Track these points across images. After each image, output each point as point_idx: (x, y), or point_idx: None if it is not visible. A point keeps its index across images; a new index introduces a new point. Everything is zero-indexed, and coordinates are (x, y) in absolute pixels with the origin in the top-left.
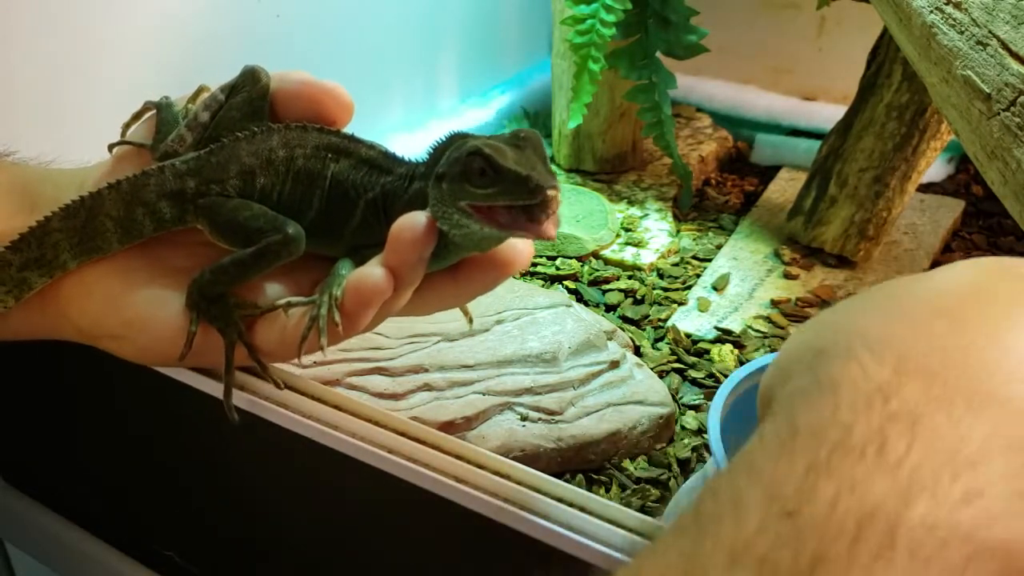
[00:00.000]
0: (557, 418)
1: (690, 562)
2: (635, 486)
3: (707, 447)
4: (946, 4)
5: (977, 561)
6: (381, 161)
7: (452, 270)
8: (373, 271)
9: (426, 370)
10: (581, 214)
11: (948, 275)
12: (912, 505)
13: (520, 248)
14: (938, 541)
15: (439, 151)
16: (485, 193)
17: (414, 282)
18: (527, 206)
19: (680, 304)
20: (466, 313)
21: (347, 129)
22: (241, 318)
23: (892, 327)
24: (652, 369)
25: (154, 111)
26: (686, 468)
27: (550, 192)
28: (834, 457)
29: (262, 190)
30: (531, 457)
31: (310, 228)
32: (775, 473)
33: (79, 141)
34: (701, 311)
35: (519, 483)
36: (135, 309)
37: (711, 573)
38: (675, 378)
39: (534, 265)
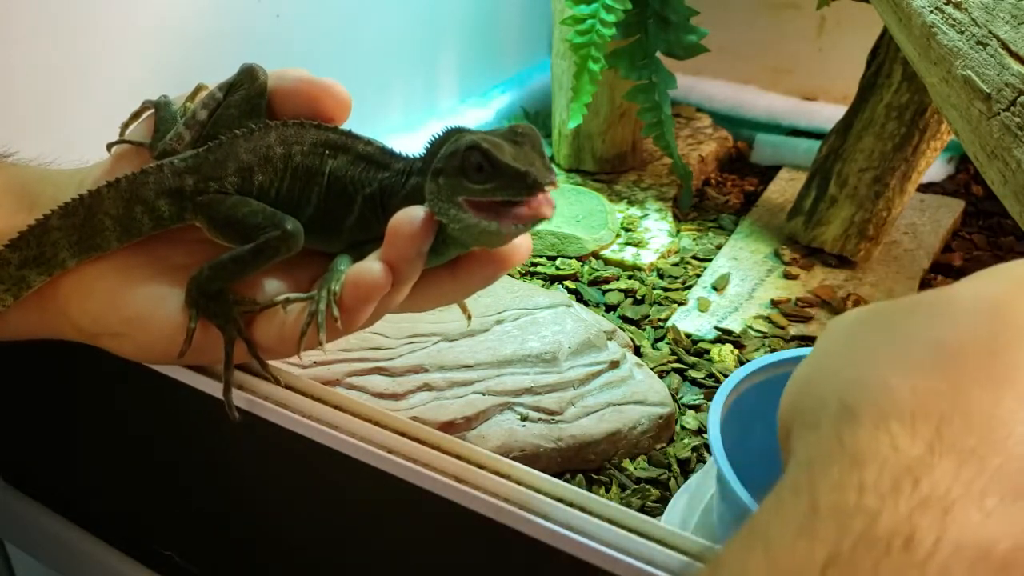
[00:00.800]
0: (557, 418)
1: None
2: (635, 486)
3: (707, 447)
4: (946, 4)
5: None
6: (378, 157)
7: (450, 265)
8: (371, 266)
9: (426, 370)
10: (581, 214)
11: (981, 306)
12: None
13: (518, 243)
14: None
15: (436, 146)
16: (482, 188)
17: (412, 277)
18: (524, 202)
19: (680, 304)
20: (464, 310)
21: (345, 128)
22: (240, 315)
23: (927, 390)
24: (652, 369)
25: (152, 110)
26: (686, 468)
27: (548, 188)
28: (858, 550)
29: (260, 187)
30: (531, 457)
31: (308, 224)
32: (793, 559)
33: (79, 141)
34: (701, 311)
35: (519, 483)
36: (135, 307)
37: None
38: (675, 378)
39: (534, 265)
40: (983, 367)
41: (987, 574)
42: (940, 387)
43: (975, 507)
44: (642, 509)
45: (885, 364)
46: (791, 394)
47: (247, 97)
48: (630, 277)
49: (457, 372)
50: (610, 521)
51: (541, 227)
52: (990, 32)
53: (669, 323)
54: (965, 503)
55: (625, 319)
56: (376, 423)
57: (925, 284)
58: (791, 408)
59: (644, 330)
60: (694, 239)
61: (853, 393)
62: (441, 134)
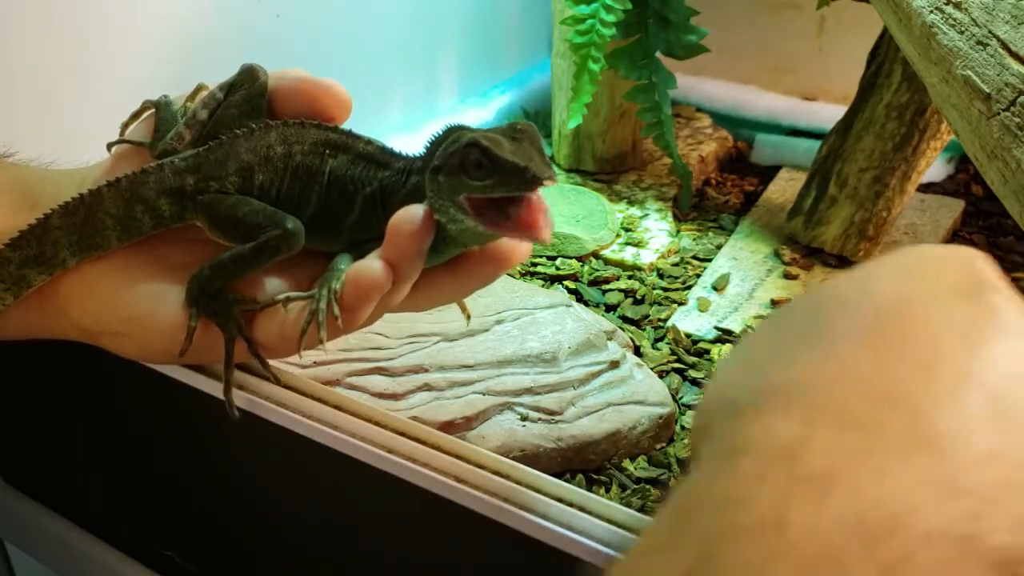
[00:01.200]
0: (557, 418)
1: None
2: (635, 486)
3: None
4: (946, 4)
5: None
6: (378, 156)
7: (450, 264)
8: (372, 264)
9: (426, 370)
10: (581, 214)
11: (874, 287)
12: None
13: (518, 242)
14: None
15: (436, 144)
16: (482, 185)
17: (412, 275)
18: (522, 198)
19: (680, 304)
20: (464, 309)
21: (346, 128)
22: (241, 313)
23: (808, 368)
24: (652, 369)
25: (153, 110)
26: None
27: (547, 183)
28: (726, 548)
29: (261, 187)
30: (531, 457)
31: (309, 224)
32: (657, 571)
33: (79, 141)
34: (701, 311)
35: (519, 483)
36: (135, 306)
37: None
38: (675, 378)
39: (534, 265)
40: (861, 341)
41: (876, 541)
42: (819, 364)
43: (863, 470)
44: (642, 509)
45: (768, 358)
46: (695, 419)
47: (248, 97)
48: (630, 277)
49: (457, 372)
50: (610, 521)
51: None
52: (990, 32)
53: (669, 323)
54: (851, 468)
55: (625, 319)
56: (376, 423)
57: None
58: (696, 428)
59: (644, 330)
60: (694, 239)
61: (736, 391)
62: (441, 133)
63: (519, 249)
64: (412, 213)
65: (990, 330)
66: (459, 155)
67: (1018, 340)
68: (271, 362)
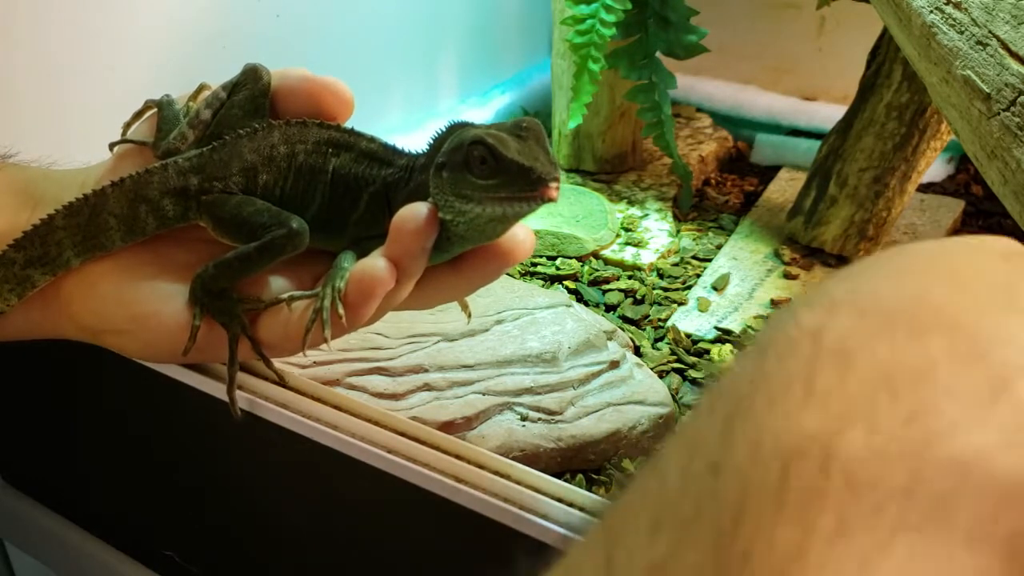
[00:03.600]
0: (557, 418)
1: (610, 530)
2: None
3: None
4: (946, 4)
5: (925, 480)
6: (382, 154)
7: (454, 261)
8: (376, 262)
9: (426, 370)
10: (581, 214)
11: (926, 244)
12: (845, 432)
13: (521, 237)
14: (878, 464)
15: (440, 141)
16: (486, 184)
17: (416, 273)
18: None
19: (680, 304)
20: (465, 308)
21: (347, 127)
22: (244, 312)
23: (837, 284)
24: (652, 369)
25: (155, 110)
26: None
27: (552, 184)
28: (757, 400)
29: (265, 186)
30: (531, 457)
31: (313, 223)
32: (696, 430)
33: (81, 143)
34: (701, 311)
35: (519, 483)
36: (139, 304)
37: (631, 539)
38: (675, 378)
39: (534, 265)
40: (894, 273)
41: (897, 393)
42: (849, 280)
43: (884, 344)
44: None
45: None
46: None
47: (251, 96)
48: (630, 277)
49: (457, 372)
50: None
51: (541, 227)
52: (990, 32)
53: (669, 323)
54: (871, 345)
55: (625, 319)
56: (376, 423)
57: None
58: None
59: (644, 330)
60: (694, 239)
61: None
62: (444, 129)
63: (522, 246)
64: (416, 210)
65: None
66: (464, 151)
67: None
68: (275, 362)
